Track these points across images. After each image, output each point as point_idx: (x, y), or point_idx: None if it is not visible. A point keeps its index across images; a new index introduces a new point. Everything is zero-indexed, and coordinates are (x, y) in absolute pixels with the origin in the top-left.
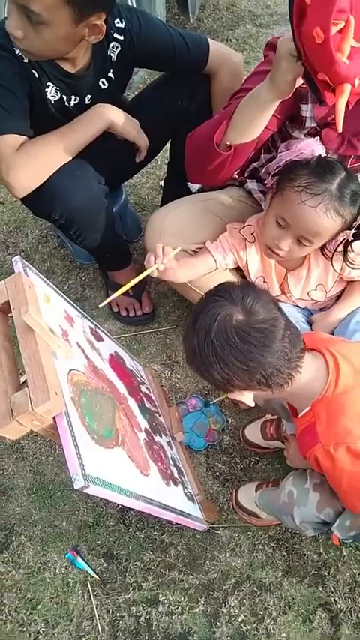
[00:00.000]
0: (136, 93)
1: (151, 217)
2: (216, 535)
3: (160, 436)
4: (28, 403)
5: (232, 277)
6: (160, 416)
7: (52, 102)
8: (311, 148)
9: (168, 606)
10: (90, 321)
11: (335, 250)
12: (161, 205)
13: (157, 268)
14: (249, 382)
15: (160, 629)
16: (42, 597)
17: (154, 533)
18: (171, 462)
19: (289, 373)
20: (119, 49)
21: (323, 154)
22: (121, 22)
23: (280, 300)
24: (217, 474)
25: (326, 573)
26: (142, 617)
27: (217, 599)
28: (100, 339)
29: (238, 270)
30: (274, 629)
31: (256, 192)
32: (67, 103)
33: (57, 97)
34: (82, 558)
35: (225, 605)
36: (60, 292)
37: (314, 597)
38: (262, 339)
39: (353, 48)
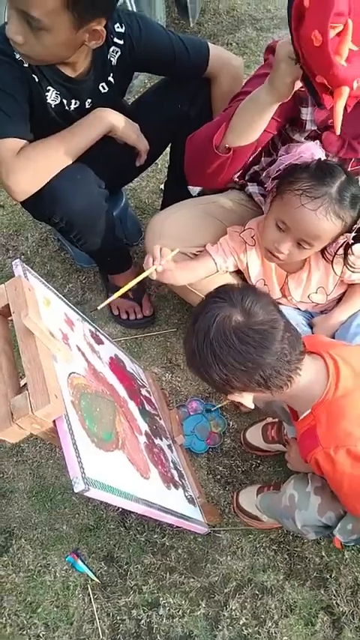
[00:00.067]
0: (136, 97)
1: (152, 221)
2: (217, 538)
3: (161, 439)
4: (28, 406)
5: (232, 280)
6: (160, 419)
7: (53, 106)
8: (311, 151)
9: (169, 610)
10: (90, 324)
11: (335, 253)
12: (161, 209)
13: (156, 270)
14: (248, 383)
15: (161, 633)
16: (42, 600)
17: (155, 536)
18: (171, 465)
19: (288, 375)
20: (119, 53)
21: (323, 158)
22: (121, 27)
23: (280, 303)
24: (218, 476)
25: (328, 576)
26: (142, 621)
27: (218, 602)
28: (100, 342)
29: (239, 273)
30: (275, 633)
31: (256, 195)
32: (67, 107)
33: (57, 101)
34: (82, 561)
35: (226, 609)
36: (60, 295)
37: (316, 600)
38: (260, 340)
39: (351, 51)
